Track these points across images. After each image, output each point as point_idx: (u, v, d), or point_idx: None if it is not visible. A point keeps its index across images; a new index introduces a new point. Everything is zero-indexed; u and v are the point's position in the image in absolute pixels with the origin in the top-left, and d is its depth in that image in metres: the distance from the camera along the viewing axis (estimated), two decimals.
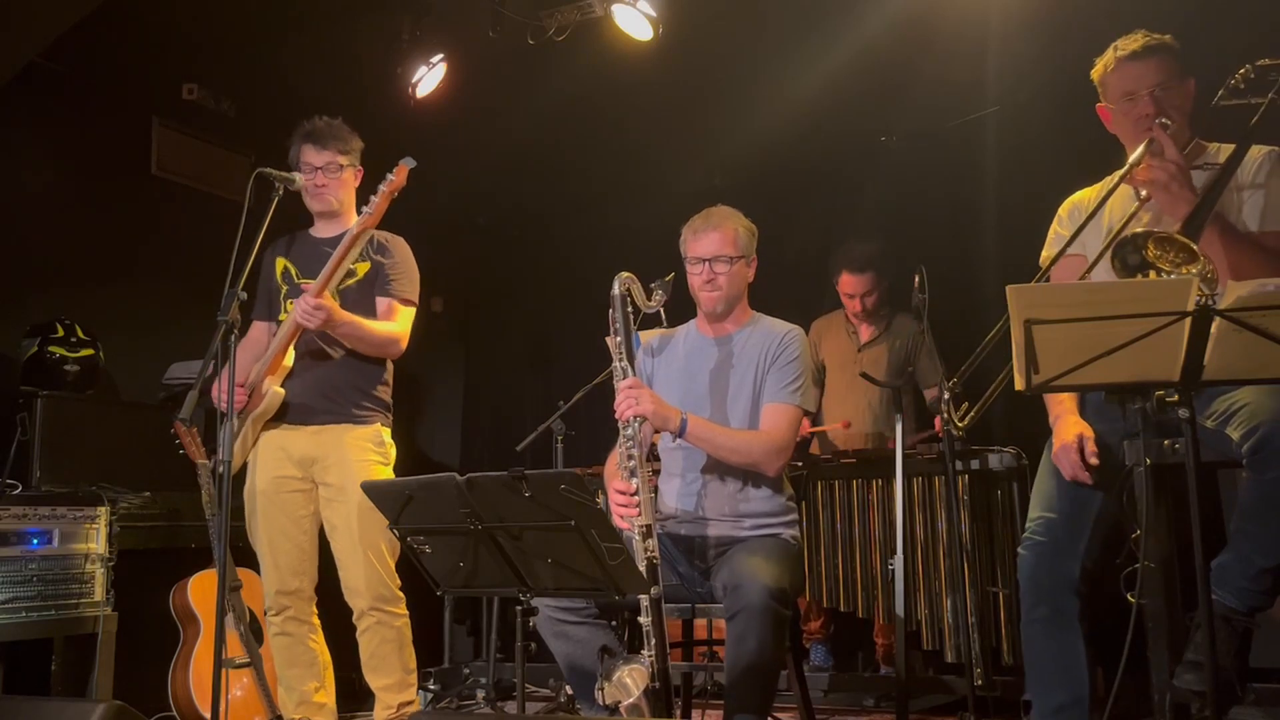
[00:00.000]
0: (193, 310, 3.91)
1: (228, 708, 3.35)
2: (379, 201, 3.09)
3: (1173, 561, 2.44)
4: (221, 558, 2.64)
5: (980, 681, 3.29)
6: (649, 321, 2.82)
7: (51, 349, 3.80)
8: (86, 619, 3.35)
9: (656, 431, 2.82)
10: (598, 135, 5.11)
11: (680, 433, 2.64)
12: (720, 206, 2.90)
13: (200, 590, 3.53)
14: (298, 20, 4.34)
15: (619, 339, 2.63)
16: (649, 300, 2.71)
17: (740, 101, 4.82)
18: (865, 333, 4.49)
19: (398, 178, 3.08)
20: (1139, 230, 2.14)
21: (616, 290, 2.63)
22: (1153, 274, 2.10)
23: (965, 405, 2.62)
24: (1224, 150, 2.48)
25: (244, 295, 2.77)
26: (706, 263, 2.80)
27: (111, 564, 3.42)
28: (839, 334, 4.51)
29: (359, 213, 3.19)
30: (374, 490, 2.36)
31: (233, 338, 2.74)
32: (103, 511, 3.43)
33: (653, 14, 4.22)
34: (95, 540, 3.41)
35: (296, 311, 3.02)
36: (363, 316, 3.17)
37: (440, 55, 4.62)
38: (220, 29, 4.34)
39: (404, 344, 3.25)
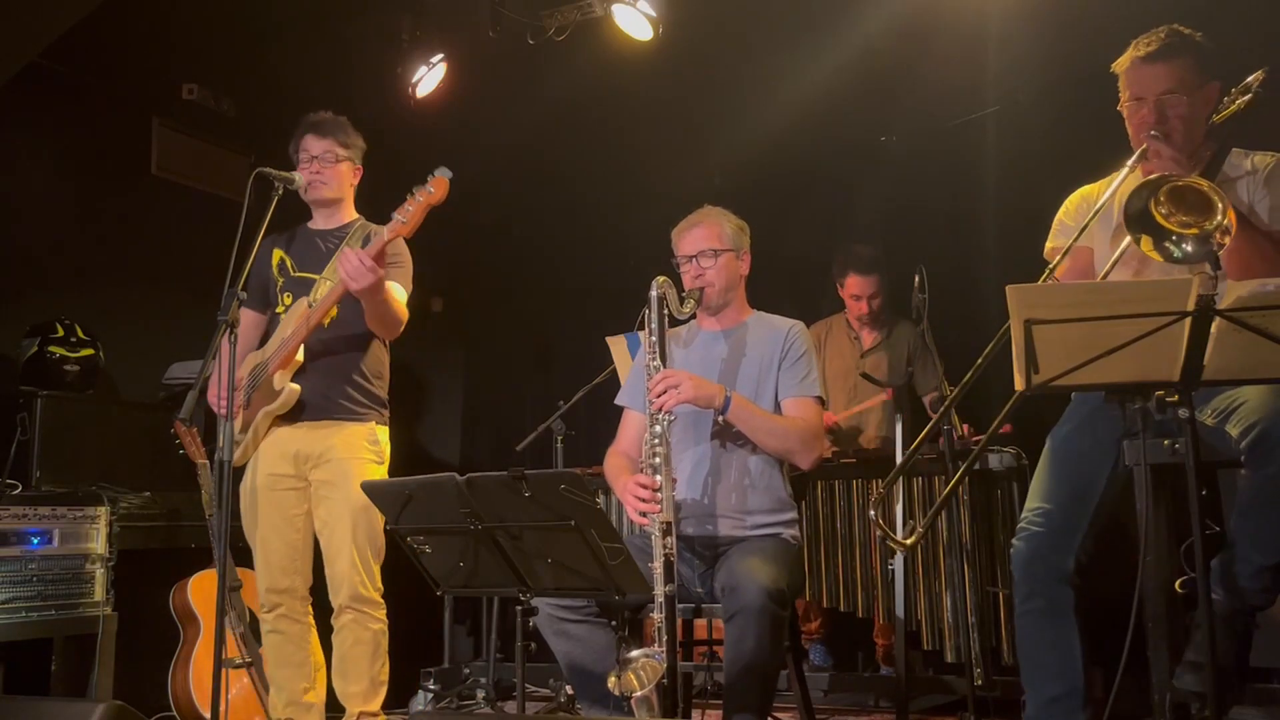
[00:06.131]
0: (193, 310, 3.92)
1: (228, 708, 3.35)
2: (414, 213, 2.88)
3: (1173, 562, 2.43)
4: (221, 558, 2.63)
5: (980, 681, 3.29)
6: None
7: (51, 349, 3.80)
8: (86, 619, 3.35)
9: None
10: (598, 135, 5.11)
11: (724, 409, 2.68)
12: (705, 207, 2.96)
13: (200, 590, 3.54)
14: (298, 20, 4.33)
15: (653, 338, 2.67)
16: (682, 308, 2.75)
17: (740, 101, 4.82)
18: (868, 339, 4.47)
19: (437, 191, 2.87)
20: (1156, 176, 2.09)
21: (654, 293, 2.67)
22: (1146, 239, 2.06)
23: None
24: (1246, 156, 2.45)
25: (244, 295, 2.77)
26: (693, 259, 2.87)
27: (111, 564, 3.42)
28: (841, 339, 4.49)
29: (356, 209, 3.28)
30: (374, 490, 2.36)
31: (233, 338, 2.73)
32: (103, 511, 3.43)
33: (653, 14, 4.21)
34: (95, 540, 3.41)
35: (345, 270, 2.87)
36: (352, 308, 3.08)
37: (440, 55, 4.62)
38: (220, 29, 4.34)
39: (403, 327, 3.18)
